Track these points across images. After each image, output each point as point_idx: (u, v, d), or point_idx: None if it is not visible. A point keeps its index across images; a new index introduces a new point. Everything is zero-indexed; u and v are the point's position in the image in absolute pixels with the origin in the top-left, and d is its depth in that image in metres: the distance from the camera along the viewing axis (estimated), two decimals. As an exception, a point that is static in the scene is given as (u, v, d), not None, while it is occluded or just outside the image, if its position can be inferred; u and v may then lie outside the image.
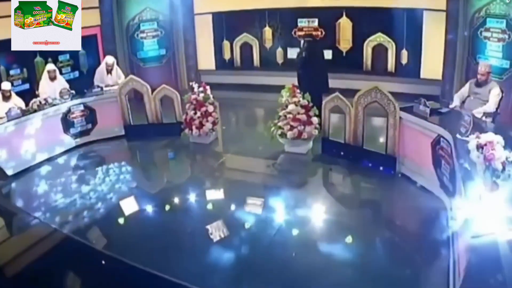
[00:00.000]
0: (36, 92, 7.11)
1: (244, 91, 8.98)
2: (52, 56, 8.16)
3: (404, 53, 8.29)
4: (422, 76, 8.11)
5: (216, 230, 4.18)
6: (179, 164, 6.31)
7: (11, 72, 7.74)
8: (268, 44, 9.45)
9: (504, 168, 3.26)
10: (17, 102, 6.35)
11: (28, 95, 6.98)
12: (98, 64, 9.16)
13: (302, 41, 7.29)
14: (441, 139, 4.30)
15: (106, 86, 7.20)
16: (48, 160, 6.25)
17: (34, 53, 7.92)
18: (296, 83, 6.19)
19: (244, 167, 5.90)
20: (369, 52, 8.62)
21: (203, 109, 6.24)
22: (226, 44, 9.72)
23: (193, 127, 6.29)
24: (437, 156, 4.42)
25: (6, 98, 6.23)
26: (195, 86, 6.36)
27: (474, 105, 5.02)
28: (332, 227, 4.26)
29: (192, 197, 4.94)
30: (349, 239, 3.91)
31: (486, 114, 4.94)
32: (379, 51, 8.53)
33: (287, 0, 8.90)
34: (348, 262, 3.71)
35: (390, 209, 4.66)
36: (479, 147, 3.49)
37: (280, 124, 5.70)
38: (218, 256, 3.84)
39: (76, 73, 8.74)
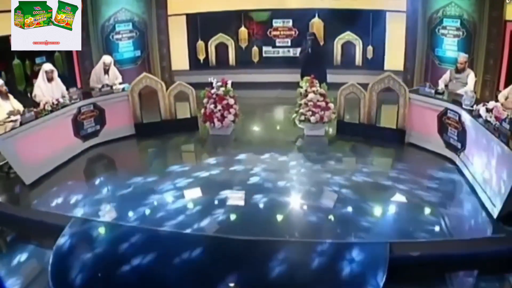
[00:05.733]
0: (29, 95, 7.34)
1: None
2: (29, 57, 8.42)
3: (370, 49, 10.27)
4: (385, 68, 9.95)
5: None
6: (214, 153, 7.03)
7: (-12, 75, 7.88)
8: (244, 43, 10.74)
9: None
10: (15, 104, 6.51)
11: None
12: (72, 66, 9.57)
13: (306, 38, 8.79)
14: (448, 111, 6.09)
15: (103, 86, 7.55)
16: (64, 165, 6.53)
17: (11, 55, 8.11)
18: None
19: (277, 151, 6.75)
20: (339, 48, 10.46)
21: (224, 102, 7.30)
22: (200, 44, 10.73)
23: (215, 119, 7.32)
24: (444, 124, 6.21)
25: (4, 96, 6.39)
26: (214, 81, 7.38)
27: (456, 87, 6.88)
28: (377, 186, 5.73)
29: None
30: (391, 193, 5.48)
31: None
32: (348, 48, 10.42)
33: (263, 2, 10.31)
34: (397, 211, 5.21)
35: (412, 166, 6.26)
36: (488, 110, 5.31)
37: (302, 111, 7.06)
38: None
39: (53, 75, 9.02)
